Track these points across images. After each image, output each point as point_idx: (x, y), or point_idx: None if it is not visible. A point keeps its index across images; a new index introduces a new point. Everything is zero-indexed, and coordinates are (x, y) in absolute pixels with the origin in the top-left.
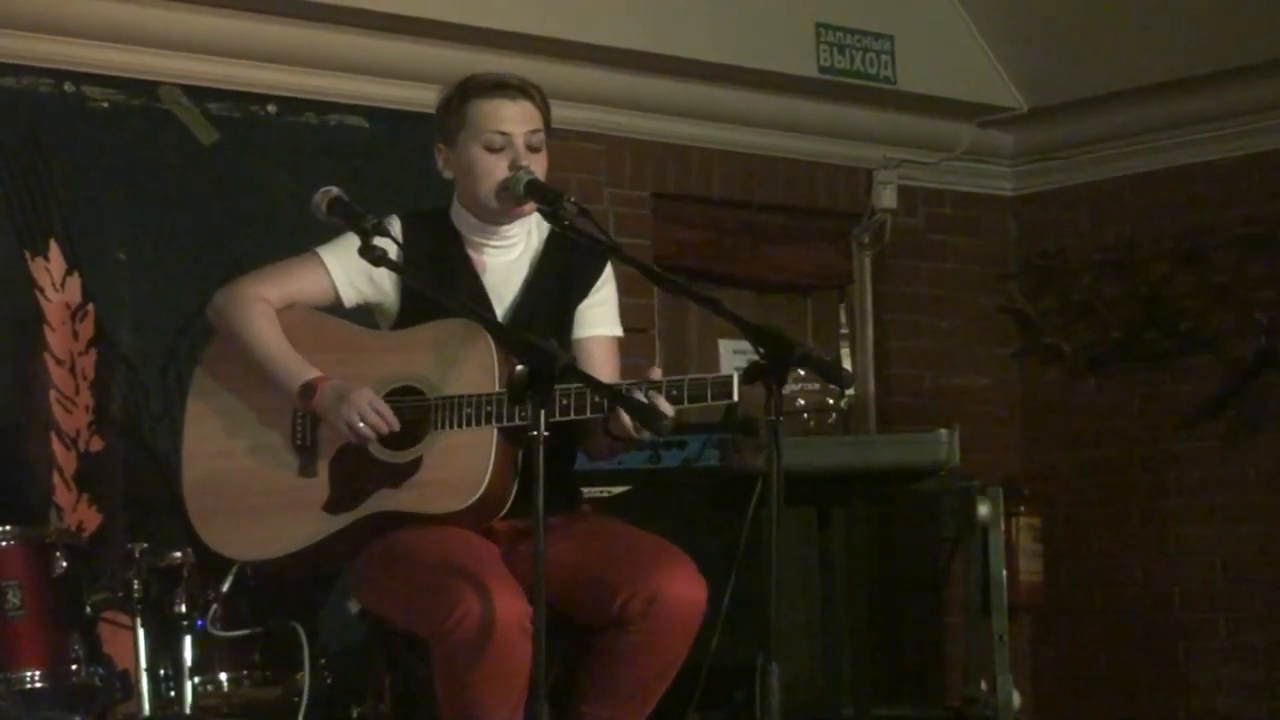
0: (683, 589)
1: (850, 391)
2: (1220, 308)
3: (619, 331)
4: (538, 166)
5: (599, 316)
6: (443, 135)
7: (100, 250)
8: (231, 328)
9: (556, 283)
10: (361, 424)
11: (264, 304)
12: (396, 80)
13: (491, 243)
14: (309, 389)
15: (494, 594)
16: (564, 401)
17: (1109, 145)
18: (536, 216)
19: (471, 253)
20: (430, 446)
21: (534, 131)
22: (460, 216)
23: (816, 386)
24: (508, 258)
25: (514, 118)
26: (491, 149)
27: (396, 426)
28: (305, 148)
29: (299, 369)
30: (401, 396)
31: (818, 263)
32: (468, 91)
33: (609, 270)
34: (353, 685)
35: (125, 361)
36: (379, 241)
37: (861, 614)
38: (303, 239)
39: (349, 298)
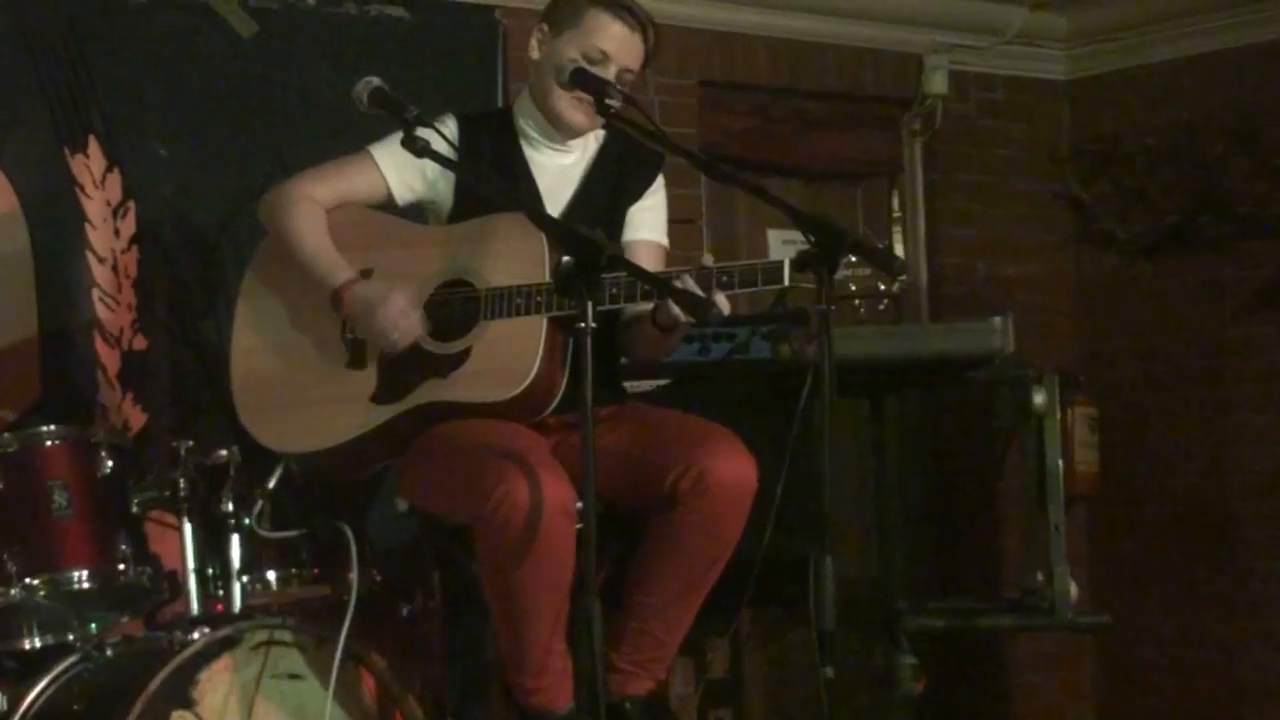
0: (731, 465)
1: (901, 276)
2: (1279, 191)
3: (665, 241)
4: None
5: (647, 221)
6: (551, 20)
7: (140, 146)
8: (277, 227)
9: (609, 186)
10: (395, 335)
11: (310, 203)
12: None
13: (550, 144)
14: (337, 299)
15: (538, 476)
16: (613, 290)
17: (1164, 26)
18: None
19: (529, 151)
20: (479, 337)
21: (628, 70)
22: (527, 112)
23: (867, 272)
24: (564, 161)
25: (624, 47)
26: (588, 59)
27: (413, 337)
28: (345, 39)
29: (332, 273)
30: (452, 289)
31: (867, 150)
32: None
33: (661, 179)
34: (402, 583)
35: (167, 258)
36: (422, 132)
37: (916, 506)
38: (344, 132)
39: (402, 196)
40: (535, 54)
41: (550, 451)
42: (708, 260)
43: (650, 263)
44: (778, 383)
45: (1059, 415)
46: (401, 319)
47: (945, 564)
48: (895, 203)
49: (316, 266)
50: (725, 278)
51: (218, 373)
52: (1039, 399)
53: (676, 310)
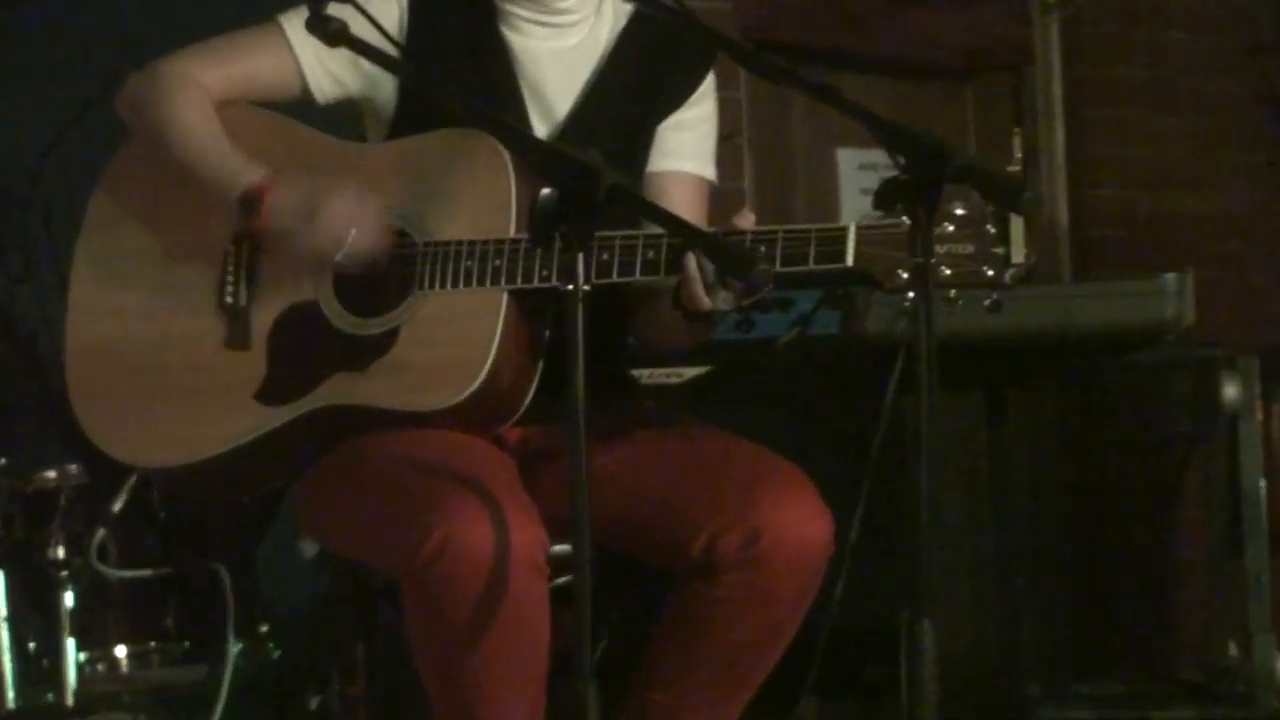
0: (799, 523)
1: (1020, 259)
2: None
3: (711, 173)
4: None
5: (687, 145)
6: None
7: None
8: (150, 120)
9: (633, 89)
10: (351, 231)
11: (197, 88)
12: None
13: (539, 19)
14: (252, 200)
15: (499, 514)
16: (604, 255)
17: None
18: None
19: (509, 34)
20: (412, 314)
21: None
22: None
23: (970, 250)
24: (561, 44)
25: None
26: None
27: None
28: None
29: (241, 171)
30: None
31: (981, 33)
32: None
33: (711, 81)
34: (310, 660)
35: None
36: (337, 10)
37: (1052, 547)
38: (231, 17)
39: (323, 89)
40: None
41: (516, 479)
42: (744, 220)
43: (688, 203)
44: (853, 371)
45: (1260, 415)
46: (360, 210)
47: (1095, 631)
48: (1021, 111)
49: (221, 166)
50: (763, 247)
51: (42, 355)
52: (1231, 392)
53: (699, 288)
